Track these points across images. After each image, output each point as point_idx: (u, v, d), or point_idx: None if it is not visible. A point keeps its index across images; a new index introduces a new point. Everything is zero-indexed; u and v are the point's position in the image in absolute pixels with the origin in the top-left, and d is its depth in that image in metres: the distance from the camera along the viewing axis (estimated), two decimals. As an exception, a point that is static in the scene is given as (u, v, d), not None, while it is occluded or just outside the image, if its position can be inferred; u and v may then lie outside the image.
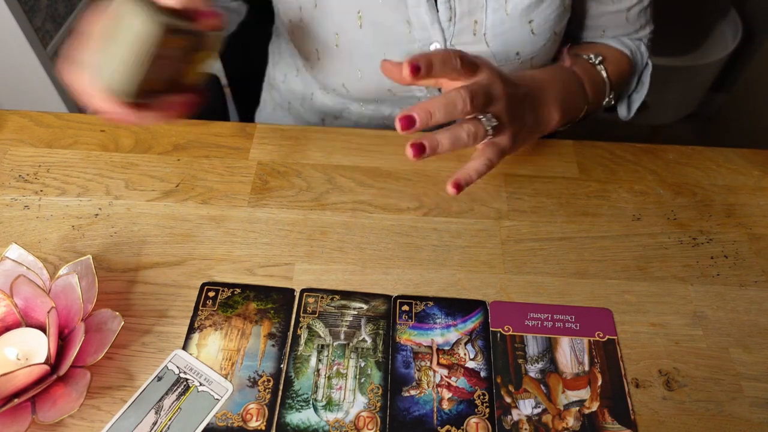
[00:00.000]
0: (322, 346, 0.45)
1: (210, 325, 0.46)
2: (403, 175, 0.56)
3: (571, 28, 0.64)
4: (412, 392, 0.43)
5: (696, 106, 1.59)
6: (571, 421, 0.42)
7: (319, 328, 0.46)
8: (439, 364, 0.44)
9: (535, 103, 0.51)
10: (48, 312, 0.40)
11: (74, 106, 1.40)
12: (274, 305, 0.47)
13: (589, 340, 0.46)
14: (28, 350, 0.42)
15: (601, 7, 0.61)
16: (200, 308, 0.47)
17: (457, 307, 0.47)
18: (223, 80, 0.91)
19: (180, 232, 0.52)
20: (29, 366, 0.38)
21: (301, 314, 0.47)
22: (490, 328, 0.46)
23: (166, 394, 0.42)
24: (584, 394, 0.43)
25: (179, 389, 0.42)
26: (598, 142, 0.60)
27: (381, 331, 0.46)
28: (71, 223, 0.52)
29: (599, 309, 0.47)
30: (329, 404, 0.42)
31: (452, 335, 0.46)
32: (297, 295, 0.48)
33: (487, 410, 0.42)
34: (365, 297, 0.48)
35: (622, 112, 0.68)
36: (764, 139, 1.45)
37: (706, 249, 0.52)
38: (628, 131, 1.72)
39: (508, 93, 0.45)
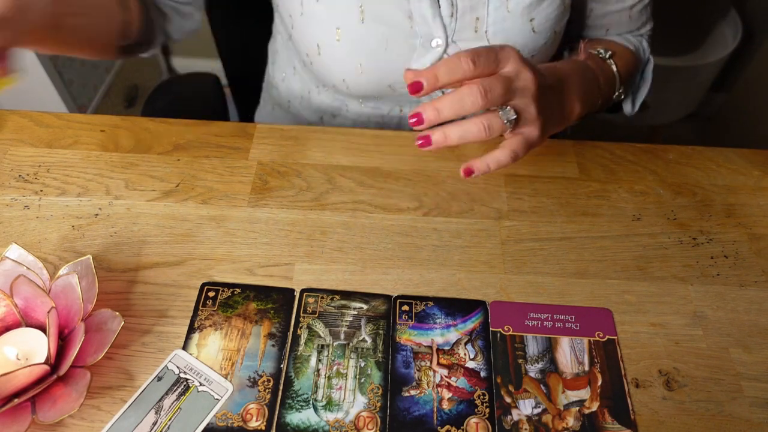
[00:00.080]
0: (322, 346, 0.45)
1: (210, 325, 0.46)
2: (403, 175, 0.56)
3: (575, 28, 0.65)
4: (412, 392, 0.43)
5: (696, 106, 1.59)
6: (571, 421, 0.42)
7: (319, 328, 0.46)
8: (439, 364, 0.44)
9: (563, 94, 0.51)
10: (48, 312, 0.40)
11: (74, 106, 1.40)
12: (274, 305, 0.47)
13: (589, 340, 0.46)
14: (28, 350, 0.42)
15: (605, 6, 0.62)
16: (200, 308, 0.47)
17: (457, 307, 0.47)
18: (224, 80, 0.91)
19: (180, 232, 0.52)
20: (29, 366, 0.38)
21: (301, 314, 0.47)
22: (490, 328, 0.46)
23: (166, 394, 0.42)
24: (584, 394, 0.43)
25: (179, 389, 0.42)
26: (598, 142, 0.60)
27: (381, 331, 0.46)
28: (71, 223, 0.52)
29: (599, 309, 0.47)
30: (329, 404, 0.42)
31: (452, 335, 0.46)
32: (297, 295, 0.48)
33: (487, 410, 0.42)
34: (365, 297, 0.48)
35: (627, 108, 0.69)
36: (764, 139, 1.45)
37: (706, 249, 0.52)
38: (628, 131, 1.72)
39: (539, 83, 0.45)
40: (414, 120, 0.43)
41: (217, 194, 0.54)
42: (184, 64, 1.88)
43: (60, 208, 0.53)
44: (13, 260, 0.44)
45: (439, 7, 0.55)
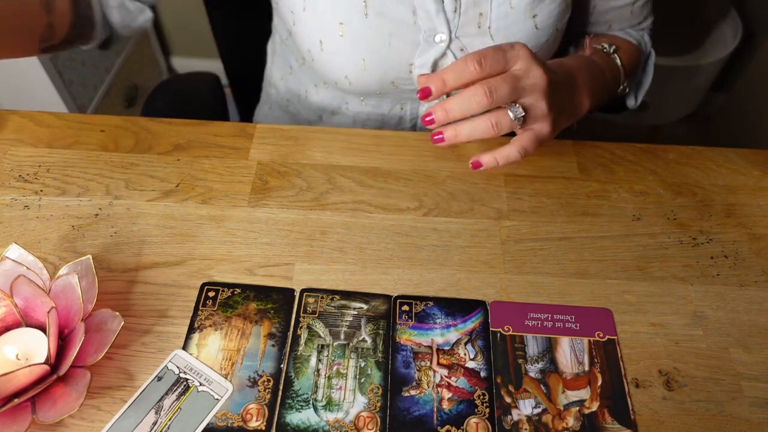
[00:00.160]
0: (322, 346, 0.45)
1: (210, 325, 0.46)
2: (403, 175, 0.57)
3: (579, 24, 0.66)
4: (412, 392, 0.43)
5: (696, 106, 1.59)
6: (571, 421, 0.42)
7: (319, 328, 0.46)
8: (439, 364, 0.44)
9: (572, 89, 0.53)
10: (48, 312, 0.40)
11: (74, 106, 1.40)
12: (274, 305, 0.47)
13: (589, 340, 0.46)
14: (28, 350, 0.42)
15: (608, 3, 0.63)
16: (200, 308, 0.47)
17: (457, 307, 0.47)
18: (224, 80, 0.91)
19: (180, 232, 0.52)
20: (29, 366, 0.38)
21: (301, 314, 0.47)
22: (490, 328, 0.46)
23: (166, 394, 0.42)
24: (584, 394, 0.43)
25: (179, 389, 0.42)
26: (598, 142, 0.60)
27: (381, 331, 0.46)
28: (71, 223, 0.52)
29: (599, 309, 0.47)
30: (329, 404, 0.42)
31: (452, 335, 0.46)
32: (297, 295, 0.48)
33: (487, 410, 0.42)
34: (365, 297, 0.48)
35: (630, 101, 0.70)
36: (764, 139, 1.45)
37: (706, 249, 0.52)
38: (628, 131, 1.72)
39: (549, 80, 0.47)
40: (428, 119, 0.47)
41: (217, 194, 0.54)
42: (184, 64, 1.88)
43: (60, 208, 0.53)
44: (13, 260, 0.44)
45: (443, 2, 0.55)
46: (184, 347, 0.45)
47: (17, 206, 0.53)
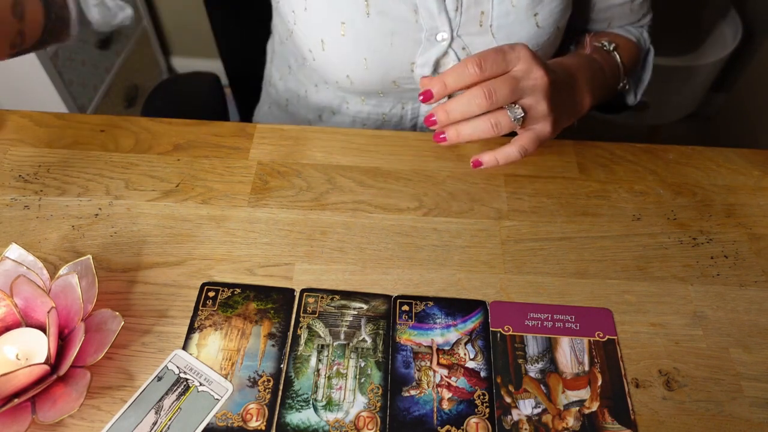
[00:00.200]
0: (322, 346, 0.45)
1: (210, 325, 0.46)
2: (403, 175, 0.57)
3: (579, 22, 0.66)
4: (412, 392, 0.43)
5: (696, 106, 1.59)
6: (571, 421, 0.42)
7: (319, 328, 0.46)
8: (439, 364, 0.44)
9: (573, 88, 0.54)
10: (48, 312, 0.40)
11: (74, 106, 1.40)
12: (274, 305, 0.47)
13: (589, 340, 0.46)
14: (28, 350, 0.42)
15: (608, 1, 0.64)
16: (200, 308, 0.47)
17: (457, 307, 0.47)
18: (224, 80, 0.91)
19: (180, 232, 0.52)
20: (29, 366, 0.38)
21: (301, 314, 0.47)
22: (490, 328, 0.46)
23: (166, 394, 0.42)
24: (584, 394, 0.43)
25: (179, 389, 0.42)
26: (598, 142, 0.60)
27: (381, 331, 0.46)
28: (71, 223, 0.52)
29: (599, 309, 0.47)
30: (329, 404, 0.42)
31: (452, 335, 0.46)
32: (297, 295, 0.48)
33: (487, 410, 0.42)
34: (365, 297, 0.48)
35: (630, 98, 0.70)
36: (764, 139, 1.45)
37: (706, 249, 0.52)
38: (628, 131, 1.72)
39: (551, 80, 0.48)
40: (430, 120, 0.49)
41: (217, 194, 0.54)
42: (184, 64, 1.88)
43: (60, 208, 0.53)
44: (13, 260, 0.44)
45: (445, 1, 0.56)
46: (184, 347, 0.45)
47: (17, 206, 0.53)
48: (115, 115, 0.61)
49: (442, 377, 0.44)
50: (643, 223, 0.53)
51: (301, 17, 0.59)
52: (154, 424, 0.41)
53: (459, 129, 0.49)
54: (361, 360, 0.44)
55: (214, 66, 1.26)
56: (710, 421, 0.42)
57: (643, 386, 0.43)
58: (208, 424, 0.41)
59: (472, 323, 0.46)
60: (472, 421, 0.42)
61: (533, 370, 0.44)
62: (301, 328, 0.46)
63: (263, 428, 0.41)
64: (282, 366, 0.44)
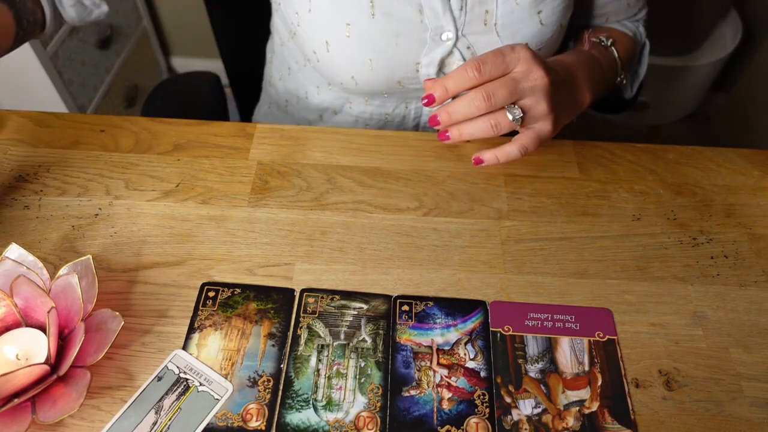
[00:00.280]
0: (322, 346, 0.45)
1: (210, 325, 0.46)
2: (403, 175, 0.57)
3: (578, 18, 0.67)
4: (412, 392, 0.43)
5: (696, 106, 1.59)
6: (571, 421, 0.42)
7: (319, 328, 0.46)
8: (439, 364, 0.44)
9: (573, 86, 0.55)
10: (48, 312, 0.40)
11: (74, 106, 1.40)
12: (274, 305, 0.47)
13: (589, 340, 0.46)
14: (28, 350, 0.42)
15: None
16: (200, 308, 0.47)
17: (457, 307, 0.47)
18: (224, 80, 0.91)
19: (180, 232, 0.52)
20: (29, 366, 0.38)
21: (301, 314, 0.47)
22: (490, 328, 0.46)
23: (166, 394, 0.42)
24: (584, 394, 0.43)
25: (179, 389, 0.42)
26: (598, 142, 0.60)
27: (381, 331, 0.46)
28: (71, 223, 0.52)
29: (599, 309, 0.47)
30: (329, 404, 0.42)
31: (452, 335, 0.46)
32: (297, 295, 0.48)
33: (487, 410, 0.42)
34: (365, 297, 0.48)
35: (627, 92, 0.71)
36: (764, 139, 1.45)
37: (706, 249, 0.52)
38: (628, 131, 1.72)
39: (551, 79, 0.50)
40: (432, 122, 0.51)
41: (217, 194, 0.54)
42: (184, 64, 1.88)
43: (60, 208, 0.53)
44: (13, 260, 0.44)
45: (449, 0, 0.56)
46: (184, 347, 0.45)
47: (17, 206, 0.53)
48: (115, 115, 0.61)
49: (442, 377, 0.44)
50: (643, 223, 0.53)
51: (305, 19, 0.59)
52: (154, 424, 0.41)
53: (461, 129, 0.51)
54: (361, 360, 0.44)
55: (214, 66, 1.26)
56: (710, 421, 0.42)
57: (643, 386, 0.43)
58: (208, 424, 0.41)
59: (472, 323, 0.46)
60: (472, 421, 0.42)
61: (533, 370, 0.44)
62: (301, 328, 0.46)
63: (263, 428, 0.41)
64: (282, 366, 0.44)
